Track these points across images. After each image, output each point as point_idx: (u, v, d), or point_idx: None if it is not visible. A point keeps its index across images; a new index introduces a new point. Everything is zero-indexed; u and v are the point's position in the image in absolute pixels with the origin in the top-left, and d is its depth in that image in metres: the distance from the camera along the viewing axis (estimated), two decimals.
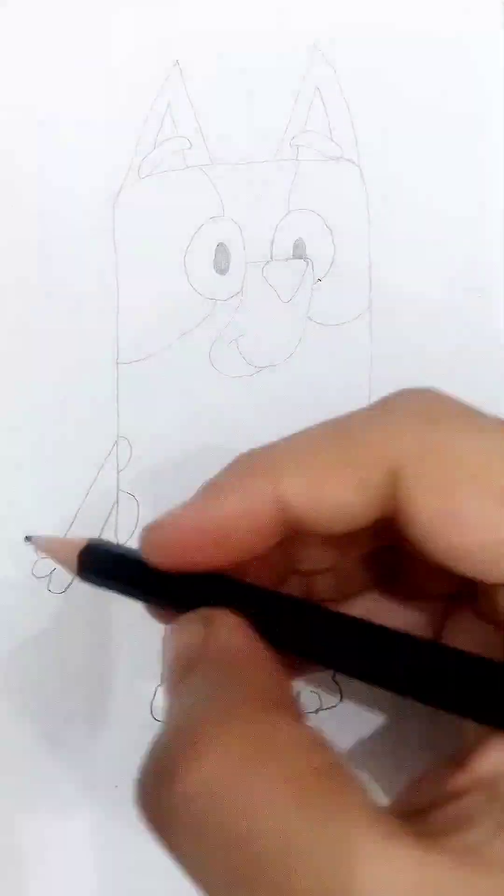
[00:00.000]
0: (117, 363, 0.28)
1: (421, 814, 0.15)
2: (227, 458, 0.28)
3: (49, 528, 0.27)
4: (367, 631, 0.17)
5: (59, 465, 0.28)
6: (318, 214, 0.29)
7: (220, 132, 0.28)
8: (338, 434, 0.17)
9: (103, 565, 0.18)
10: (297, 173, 0.29)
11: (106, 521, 0.28)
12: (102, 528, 0.28)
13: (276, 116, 0.29)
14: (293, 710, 0.16)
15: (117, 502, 0.28)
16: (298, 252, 0.29)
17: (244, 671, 0.16)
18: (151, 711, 0.28)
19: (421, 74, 0.29)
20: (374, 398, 0.29)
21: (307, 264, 0.29)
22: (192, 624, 0.17)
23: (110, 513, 0.28)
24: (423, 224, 0.29)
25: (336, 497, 0.16)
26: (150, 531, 0.17)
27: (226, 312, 0.28)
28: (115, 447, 0.28)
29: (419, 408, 0.17)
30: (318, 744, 0.15)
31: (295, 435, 0.18)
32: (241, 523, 0.17)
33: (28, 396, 0.28)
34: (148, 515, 0.28)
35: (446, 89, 0.29)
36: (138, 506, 0.28)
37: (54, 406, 0.28)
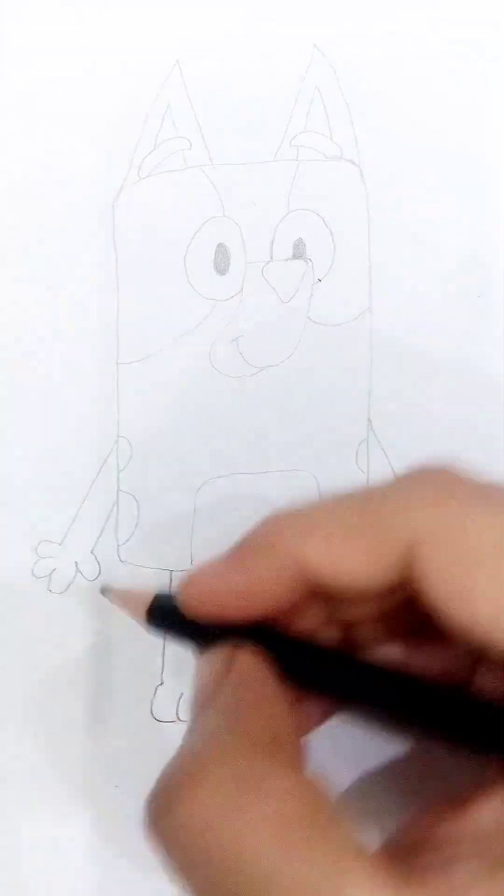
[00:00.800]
0: (117, 363, 0.28)
1: (412, 853, 0.16)
2: (227, 458, 0.28)
3: (49, 527, 0.27)
4: (371, 671, 0.19)
5: (59, 465, 0.28)
6: (318, 214, 0.29)
7: (220, 132, 0.28)
8: (359, 505, 0.18)
9: (165, 617, 0.20)
10: (297, 173, 0.29)
11: (106, 521, 0.28)
12: (102, 528, 0.28)
13: (276, 116, 0.29)
14: (292, 754, 0.17)
15: (117, 502, 0.28)
16: (298, 252, 0.29)
17: (252, 710, 0.17)
18: (151, 711, 0.28)
19: (421, 75, 0.29)
20: (374, 398, 0.29)
21: (307, 264, 0.29)
22: (218, 657, 0.19)
23: (110, 513, 0.28)
24: (423, 224, 0.29)
25: (355, 565, 0.18)
26: (186, 586, 0.19)
27: (226, 312, 0.28)
28: (115, 447, 0.28)
29: (437, 484, 0.18)
30: (308, 789, 0.16)
31: (319, 502, 0.19)
32: (268, 582, 0.18)
33: (28, 396, 0.28)
34: (148, 515, 0.28)
35: (446, 89, 0.29)
36: (138, 506, 0.28)
37: (54, 406, 0.28)
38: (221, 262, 0.28)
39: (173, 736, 0.27)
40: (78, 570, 0.28)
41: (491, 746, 0.17)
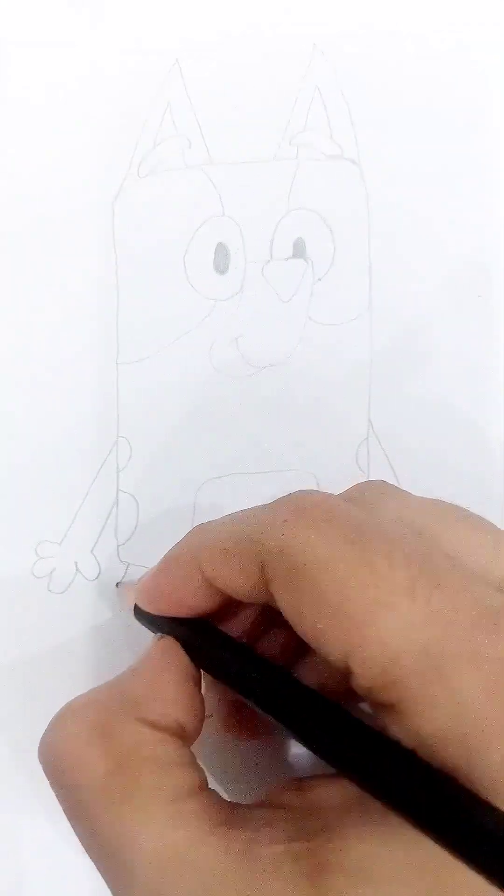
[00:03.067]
0: (117, 363, 0.28)
1: (246, 811, 0.19)
2: (227, 458, 0.28)
3: (49, 527, 0.27)
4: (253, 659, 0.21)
5: (59, 465, 0.28)
6: (318, 214, 0.29)
7: (220, 131, 0.28)
8: (239, 526, 0.21)
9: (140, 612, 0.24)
10: (297, 173, 0.29)
11: (106, 520, 0.28)
12: (102, 528, 0.28)
13: (276, 116, 0.29)
14: (152, 715, 0.20)
15: (117, 502, 0.28)
16: (298, 252, 0.29)
17: (135, 680, 0.22)
18: None
19: (421, 74, 0.29)
20: (374, 398, 0.29)
21: (307, 264, 0.29)
22: (154, 641, 0.23)
23: (110, 513, 0.28)
24: (423, 224, 0.29)
25: (234, 580, 0.21)
26: (138, 589, 0.23)
27: (226, 312, 0.28)
28: (115, 447, 0.28)
29: (290, 509, 0.20)
30: (149, 741, 0.20)
31: (222, 520, 0.22)
32: (184, 589, 0.22)
33: (28, 396, 0.28)
34: (148, 515, 0.28)
35: (446, 89, 0.29)
36: (138, 506, 0.28)
37: (54, 406, 0.28)
38: (221, 261, 0.28)
39: None
40: (78, 570, 0.28)
41: (325, 748, 0.19)
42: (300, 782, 0.20)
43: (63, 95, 0.28)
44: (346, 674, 0.18)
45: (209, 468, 0.28)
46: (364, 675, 0.17)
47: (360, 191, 0.29)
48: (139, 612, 0.24)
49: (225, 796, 0.20)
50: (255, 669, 0.21)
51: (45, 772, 0.20)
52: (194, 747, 0.21)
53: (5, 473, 0.27)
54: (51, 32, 0.28)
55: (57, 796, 0.20)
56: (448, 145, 0.29)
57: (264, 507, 0.21)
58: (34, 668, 0.27)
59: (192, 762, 0.20)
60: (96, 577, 0.28)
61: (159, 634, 0.23)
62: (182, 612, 0.22)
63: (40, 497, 0.28)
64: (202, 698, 0.22)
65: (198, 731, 0.22)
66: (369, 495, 0.22)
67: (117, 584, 0.27)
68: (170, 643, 0.22)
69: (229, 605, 0.22)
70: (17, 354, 0.28)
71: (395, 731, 0.17)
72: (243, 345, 0.28)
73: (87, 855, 0.20)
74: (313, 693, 0.19)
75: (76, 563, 0.28)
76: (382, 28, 0.29)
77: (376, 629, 0.17)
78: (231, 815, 0.19)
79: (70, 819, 0.20)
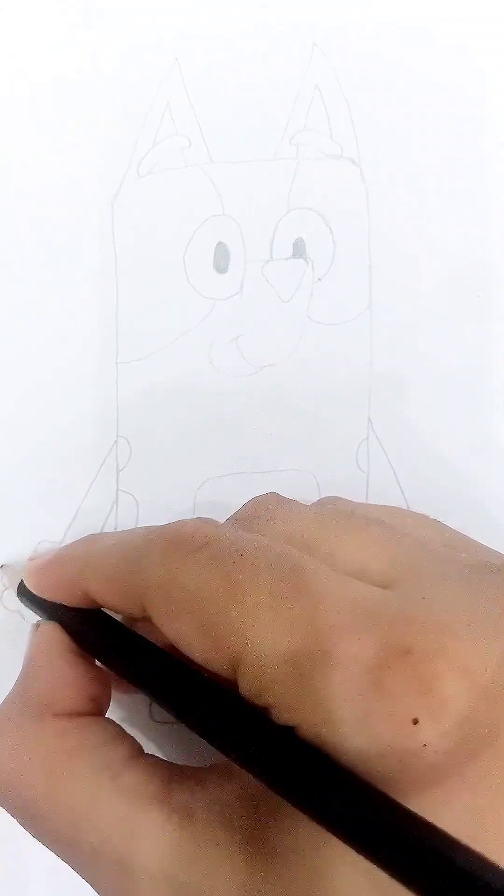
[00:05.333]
0: (117, 363, 0.28)
1: (190, 772, 0.20)
2: (227, 458, 0.28)
3: (49, 527, 0.27)
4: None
5: (59, 465, 0.28)
6: (318, 213, 0.29)
7: (220, 131, 0.28)
8: (116, 560, 0.22)
9: (24, 592, 0.25)
10: (297, 172, 0.29)
11: (105, 520, 0.28)
12: (102, 528, 0.28)
13: (275, 115, 0.28)
14: (63, 705, 0.21)
15: (117, 502, 0.28)
16: (298, 251, 0.29)
17: (32, 672, 0.23)
18: (150, 713, 0.28)
19: (421, 74, 0.29)
20: (374, 398, 0.29)
21: (307, 264, 0.29)
22: (30, 635, 0.24)
23: (110, 513, 0.28)
24: (423, 224, 0.29)
25: (116, 603, 0.22)
26: (29, 570, 0.24)
27: (225, 312, 0.28)
28: (115, 447, 0.28)
29: (163, 544, 0.21)
30: (71, 730, 0.21)
31: (105, 543, 0.23)
32: (65, 592, 0.23)
33: (28, 396, 0.28)
34: (148, 515, 0.28)
35: (446, 88, 0.29)
36: (138, 506, 0.28)
37: (54, 406, 0.28)
38: (221, 260, 0.28)
39: (172, 737, 0.27)
40: None
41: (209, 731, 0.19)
42: None
43: (62, 94, 0.28)
44: (235, 685, 0.19)
45: (209, 468, 0.28)
46: (242, 684, 0.18)
47: (360, 191, 0.29)
48: (23, 592, 0.24)
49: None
50: (139, 661, 0.21)
51: None
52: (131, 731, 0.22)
53: (5, 473, 0.27)
54: (51, 32, 0.28)
55: (11, 814, 0.21)
56: (448, 145, 0.29)
57: (146, 535, 0.22)
58: None
59: (121, 734, 0.21)
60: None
61: (37, 622, 0.24)
62: (66, 602, 0.23)
63: (40, 497, 0.28)
64: (97, 666, 0.23)
65: (108, 697, 0.23)
66: (260, 511, 0.23)
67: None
68: (49, 628, 0.23)
69: None
70: (16, 354, 0.28)
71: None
72: (243, 345, 0.28)
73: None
74: (206, 680, 0.20)
75: None
76: (382, 27, 0.29)
77: (245, 644, 0.18)
78: (171, 776, 0.20)
79: (27, 829, 0.21)
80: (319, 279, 0.29)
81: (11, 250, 0.28)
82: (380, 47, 0.29)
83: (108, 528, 0.28)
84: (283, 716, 0.18)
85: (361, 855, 0.15)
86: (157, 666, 0.21)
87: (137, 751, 0.21)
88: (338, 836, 0.16)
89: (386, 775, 0.16)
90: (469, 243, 0.29)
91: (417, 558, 0.21)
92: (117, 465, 0.28)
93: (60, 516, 0.28)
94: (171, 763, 0.21)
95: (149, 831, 0.19)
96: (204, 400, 0.28)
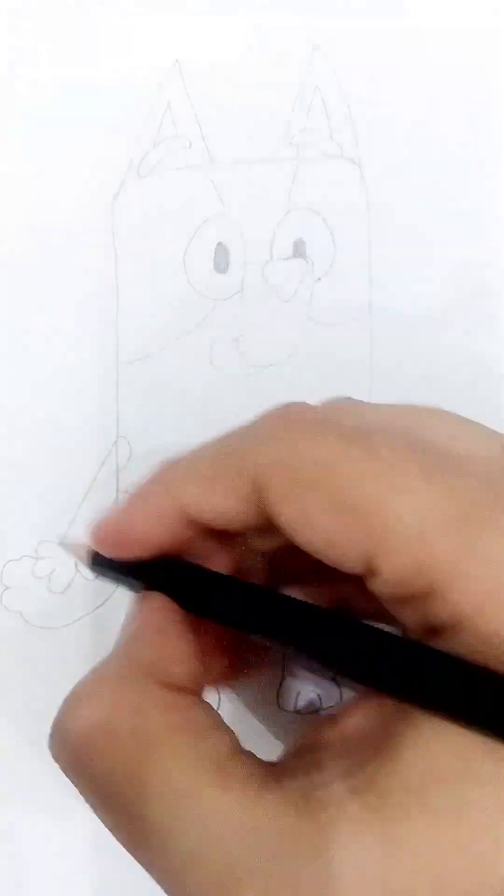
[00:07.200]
0: (117, 363, 0.28)
1: (287, 762, 0.18)
2: None
3: (49, 527, 0.27)
4: (264, 594, 0.20)
5: (59, 465, 0.28)
6: (318, 214, 0.29)
7: (220, 131, 0.28)
8: (220, 448, 0.20)
9: (100, 562, 0.22)
10: (296, 172, 0.29)
11: None
12: None
13: (276, 115, 0.29)
14: (175, 677, 0.19)
15: (117, 502, 0.28)
16: (298, 251, 0.29)
17: (139, 639, 0.20)
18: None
19: (421, 74, 0.29)
20: (375, 398, 0.29)
21: (307, 264, 0.29)
22: (136, 599, 0.21)
23: None
24: (423, 224, 0.29)
25: (219, 505, 0.19)
26: (95, 530, 0.21)
27: (226, 312, 0.28)
28: (115, 447, 0.28)
29: (279, 420, 0.20)
30: (179, 707, 0.18)
31: (194, 449, 0.21)
32: (156, 524, 0.20)
33: (28, 396, 0.28)
34: None
35: (447, 89, 0.29)
36: None
37: (54, 406, 0.28)
38: (221, 261, 0.28)
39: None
40: (78, 570, 0.28)
41: (356, 667, 0.18)
42: (331, 719, 0.19)
43: (63, 95, 0.28)
44: (365, 577, 0.18)
45: None
46: (392, 568, 0.17)
47: (360, 191, 0.29)
48: (99, 563, 0.22)
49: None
50: (255, 600, 0.20)
51: (62, 764, 0.19)
52: None
53: (5, 473, 0.27)
54: (51, 32, 0.28)
55: (82, 790, 0.18)
56: (448, 145, 0.29)
57: (245, 425, 0.20)
58: (34, 668, 0.27)
59: (223, 723, 0.19)
60: (96, 577, 0.28)
61: (142, 590, 0.21)
62: (148, 554, 0.21)
63: (40, 497, 0.28)
64: (212, 644, 0.21)
65: (204, 687, 0.21)
66: (345, 406, 0.21)
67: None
68: (158, 598, 0.21)
69: (198, 544, 0.21)
70: (17, 354, 0.28)
71: (431, 618, 0.17)
72: (243, 345, 0.28)
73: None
74: (324, 610, 0.19)
75: (76, 563, 0.28)
76: (382, 28, 0.29)
77: (398, 515, 0.17)
78: (275, 770, 0.18)
79: (102, 812, 0.18)
80: (319, 279, 0.29)
81: (12, 250, 0.28)
82: (380, 48, 0.29)
83: None
84: (448, 591, 0.16)
85: None
86: (279, 605, 0.19)
87: (239, 743, 0.19)
88: None
89: None
90: (469, 243, 0.29)
91: None
92: (117, 465, 0.28)
93: (60, 516, 0.28)
94: (270, 761, 0.19)
95: (259, 828, 0.16)
96: (204, 400, 0.28)
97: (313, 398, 0.28)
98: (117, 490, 0.28)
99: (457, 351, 0.29)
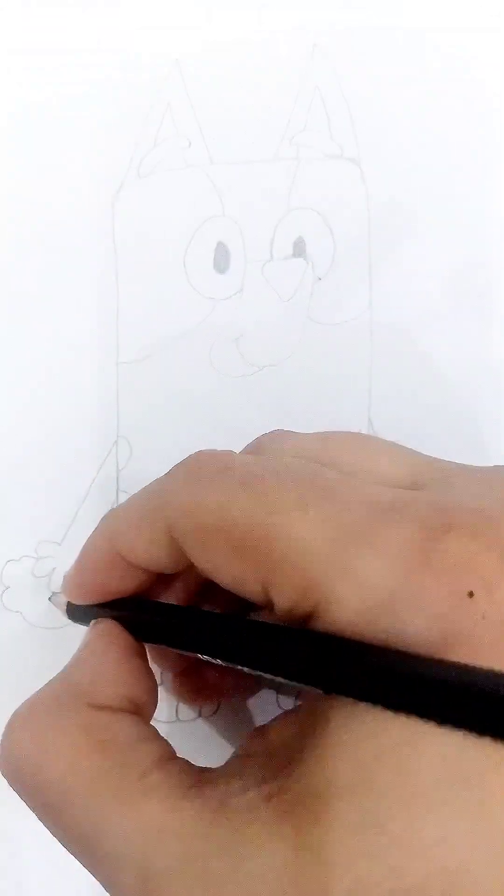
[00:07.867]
0: (117, 363, 0.28)
1: (215, 771, 0.19)
2: None
3: (49, 527, 0.27)
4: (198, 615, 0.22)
5: (59, 465, 0.28)
6: (319, 213, 0.29)
7: (220, 131, 0.28)
8: (142, 498, 0.22)
9: (73, 610, 0.24)
10: (297, 172, 0.29)
11: None
12: None
13: (275, 115, 0.29)
14: (101, 698, 0.20)
15: (117, 502, 0.28)
16: (298, 251, 0.29)
17: (81, 664, 0.22)
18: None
19: (421, 74, 0.29)
20: (374, 398, 0.29)
21: (307, 263, 0.29)
22: (90, 627, 0.23)
23: None
24: (423, 224, 0.29)
25: (146, 552, 0.21)
26: (65, 584, 0.24)
27: (226, 312, 0.28)
28: (115, 447, 0.28)
29: (185, 470, 0.21)
30: (105, 725, 0.20)
31: (129, 498, 0.22)
32: (103, 573, 0.22)
33: (28, 396, 0.28)
34: None
35: (446, 88, 0.29)
36: None
37: (54, 406, 0.28)
38: (221, 261, 0.28)
39: (171, 736, 0.27)
40: None
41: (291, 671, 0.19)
42: (261, 728, 0.20)
43: (63, 95, 0.28)
44: (271, 607, 0.19)
45: None
46: (282, 597, 0.18)
47: (360, 191, 0.29)
48: (73, 611, 0.24)
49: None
50: (198, 624, 0.21)
51: (7, 780, 0.20)
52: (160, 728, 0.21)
53: (5, 473, 0.27)
54: (51, 32, 0.28)
55: (28, 805, 0.20)
56: (448, 145, 0.29)
57: (163, 475, 0.21)
58: (33, 668, 0.27)
59: (155, 736, 0.20)
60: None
61: (95, 620, 0.23)
62: (108, 598, 0.23)
63: (40, 497, 0.28)
64: (150, 671, 0.22)
65: (153, 704, 0.22)
66: (267, 442, 0.23)
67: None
68: (106, 624, 0.22)
69: (159, 583, 0.23)
70: (17, 354, 0.28)
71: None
72: (243, 345, 0.28)
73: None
74: (264, 624, 0.19)
75: None
76: (382, 27, 0.29)
77: (281, 549, 0.18)
78: (202, 777, 0.19)
79: (44, 822, 0.20)
80: (319, 279, 0.29)
81: (12, 250, 0.28)
82: (380, 48, 0.29)
83: None
84: (331, 614, 0.17)
85: (452, 728, 0.15)
86: (218, 626, 0.20)
87: (169, 753, 0.20)
88: (431, 720, 0.15)
89: (448, 653, 0.16)
90: (469, 243, 0.29)
91: (433, 463, 0.21)
92: (117, 465, 0.28)
93: (60, 516, 0.28)
94: (202, 767, 0.20)
95: (176, 832, 0.18)
96: (204, 400, 0.28)
97: (313, 398, 0.28)
98: (117, 490, 0.28)
99: (457, 351, 0.29)
